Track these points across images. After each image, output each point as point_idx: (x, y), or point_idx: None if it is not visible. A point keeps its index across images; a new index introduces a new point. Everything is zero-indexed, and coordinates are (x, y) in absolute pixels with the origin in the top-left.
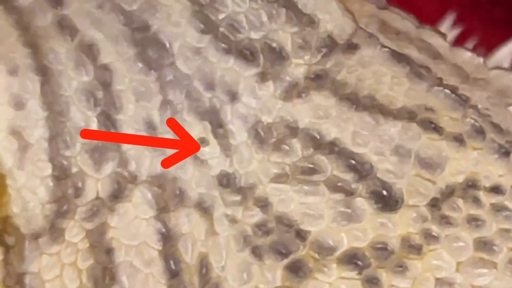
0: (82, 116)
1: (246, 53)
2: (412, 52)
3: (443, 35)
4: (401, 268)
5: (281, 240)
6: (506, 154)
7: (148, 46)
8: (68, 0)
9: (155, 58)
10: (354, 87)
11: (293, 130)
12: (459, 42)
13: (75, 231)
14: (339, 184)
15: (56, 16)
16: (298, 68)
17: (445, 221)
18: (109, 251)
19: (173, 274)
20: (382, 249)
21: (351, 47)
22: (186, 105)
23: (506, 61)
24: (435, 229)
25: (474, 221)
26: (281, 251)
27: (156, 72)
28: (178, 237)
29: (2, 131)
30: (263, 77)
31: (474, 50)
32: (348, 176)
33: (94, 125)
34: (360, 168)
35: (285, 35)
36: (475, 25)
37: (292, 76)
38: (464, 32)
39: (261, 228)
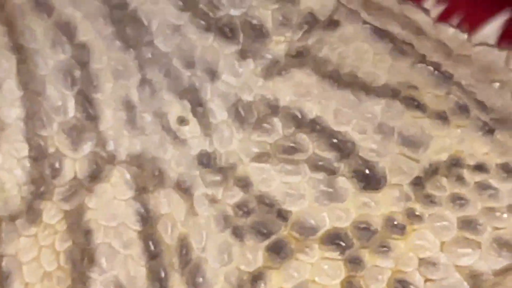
0: (59, 95)
1: (225, 31)
2: (395, 28)
3: (426, 11)
4: (384, 248)
5: (262, 221)
6: (490, 131)
7: (126, 24)
8: None
9: (134, 36)
10: (336, 65)
11: (274, 108)
12: (443, 18)
13: (52, 213)
14: (321, 163)
15: None
16: (279, 45)
17: (429, 200)
18: (87, 233)
19: (153, 255)
20: (365, 229)
21: (332, 23)
22: (165, 84)
23: (492, 38)
24: (418, 208)
25: (458, 200)
26: (262, 232)
27: (135, 51)
28: (157, 218)
29: None
30: (243, 54)
31: (459, 26)
32: (330, 155)
33: (71, 104)
34: (342, 147)
35: (265, 12)
36: (460, 1)
37: (273, 54)
38: (449, 8)
39: (242, 208)
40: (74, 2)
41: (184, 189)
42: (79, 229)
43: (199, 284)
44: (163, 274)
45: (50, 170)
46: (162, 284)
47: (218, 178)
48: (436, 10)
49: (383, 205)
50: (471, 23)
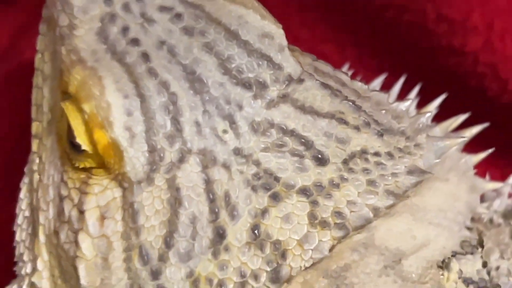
0: (162, 119)
1: (246, 84)
2: (331, 83)
3: (347, 74)
4: (329, 195)
5: (266, 182)
6: (381, 135)
7: (195, 82)
8: (153, 58)
9: (199, 88)
10: (302, 101)
11: (271, 124)
12: (353, 77)
13: (160, 179)
14: (296, 152)
15: (147, 67)
16: (273, 92)
17: (351, 170)
18: (177, 189)
19: (211, 200)
20: (319, 186)
21: (300, 80)
22: (216, 112)
23: (378, 87)
24: (345, 175)
25: (366, 171)
26: (266, 188)
27: (200, 95)
28: (213, 182)
29: (120, 127)
30: (255, 96)
31: (361, 81)
32: (301, 148)
33: (168, 124)
34: (306, 144)
35: (266, 75)
36: (358, 71)
37: (271, 96)
38: (354, 73)
39: (256, 176)
40: (168, 71)
41: (226, 167)
42: (173, 187)
43: (235, 215)
44: (216, 210)
45: (158, 157)
46: (217, 217)
47: (243, 160)
48: (349, 73)
49: (328, 173)
50: (367, 80)
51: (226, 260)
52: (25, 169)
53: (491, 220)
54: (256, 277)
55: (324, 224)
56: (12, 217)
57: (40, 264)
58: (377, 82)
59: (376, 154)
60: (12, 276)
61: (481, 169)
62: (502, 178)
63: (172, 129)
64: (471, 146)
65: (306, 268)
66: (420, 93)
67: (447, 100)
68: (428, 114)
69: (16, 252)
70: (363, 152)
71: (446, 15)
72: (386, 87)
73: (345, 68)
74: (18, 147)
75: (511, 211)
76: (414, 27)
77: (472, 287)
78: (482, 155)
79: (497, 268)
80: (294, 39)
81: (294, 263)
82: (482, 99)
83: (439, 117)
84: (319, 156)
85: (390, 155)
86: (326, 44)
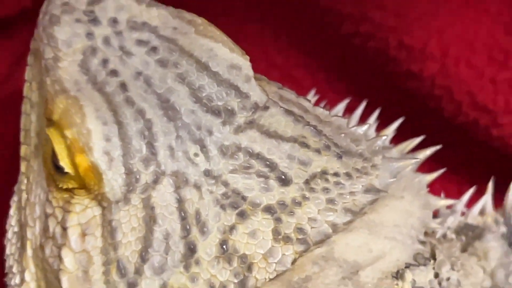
0: (138, 144)
1: (216, 111)
2: (295, 109)
3: (309, 100)
4: (291, 213)
5: (234, 201)
6: (340, 157)
7: (169, 109)
8: (131, 88)
9: (172, 115)
10: (267, 127)
11: (239, 148)
12: (317, 103)
13: (136, 199)
14: (261, 173)
15: (125, 96)
16: (241, 118)
17: (312, 190)
18: (152, 208)
19: (183, 218)
20: (282, 204)
21: (266, 108)
22: (188, 137)
23: (340, 113)
24: (307, 194)
25: (326, 190)
26: (235, 206)
27: (173, 122)
28: (184, 201)
29: (99, 151)
30: (224, 123)
31: (324, 107)
32: (266, 169)
33: (144, 148)
34: (271, 165)
35: (234, 103)
36: (327, 93)
37: (238, 122)
38: (318, 99)
39: (225, 195)
40: (144, 100)
41: (197, 187)
42: (148, 207)
43: (205, 232)
44: (188, 227)
45: (135, 179)
46: (188, 233)
47: (213, 181)
48: (313, 100)
49: (291, 193)
50: (335, 102)
51: (197, 273)
52: (15, 188)
53: (444, 236)
54: None
55: (287, 239)
56: (4, 231)
57: (27, 276)
58: (341, 106)
59: (336, 174)
60: (3, 287)
61: (439, 186)
62: (459, 194)
63: (147, 153)
64: (429, 164)
65: (270, 280)
66: (382, 115)
67: (406, 122)
68: (384, 137)
69: (7, 264)
70: (324, 173)
71: (406, 43)
72: (351, 109)
73: (312, 93)
74: (13, 166)
75: (463, 228)
76: (378, 53)
77: None
78: (434, 175)
79: (448, 279)
80: (270, 65)
81: (259, 275)
82: (439, 120)
83: (398, 138)
84: (283, 177)
85: (348, 175)
86: (298, 69)
